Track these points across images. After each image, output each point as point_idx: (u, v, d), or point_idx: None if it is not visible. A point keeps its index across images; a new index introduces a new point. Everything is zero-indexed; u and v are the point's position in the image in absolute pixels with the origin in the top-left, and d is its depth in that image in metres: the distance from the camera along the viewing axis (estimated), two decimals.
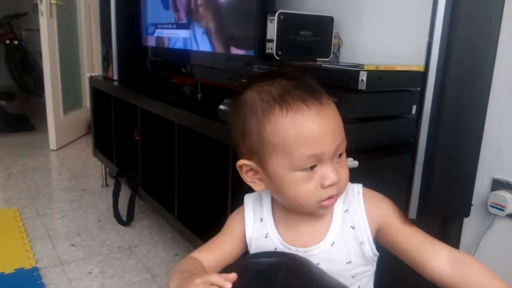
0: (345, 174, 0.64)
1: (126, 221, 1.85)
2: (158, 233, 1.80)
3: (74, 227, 1.83)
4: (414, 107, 1.01)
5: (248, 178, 0.66)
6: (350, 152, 0.89)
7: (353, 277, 0.67)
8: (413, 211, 0.80)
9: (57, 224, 1.86)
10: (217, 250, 0.71)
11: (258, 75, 0.69)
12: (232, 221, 0.74)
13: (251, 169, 0.65)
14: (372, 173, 0.90)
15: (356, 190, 0.69)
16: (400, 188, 0.83)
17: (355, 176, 0.84)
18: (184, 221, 1.45)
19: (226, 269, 0.65)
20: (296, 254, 0.67)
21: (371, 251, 0.67)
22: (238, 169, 0.67)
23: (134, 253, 1.63)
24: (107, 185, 2.32)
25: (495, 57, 0.85)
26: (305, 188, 0.61)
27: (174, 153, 1.44)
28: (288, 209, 0.67)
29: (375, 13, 1.33)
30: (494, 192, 1.04)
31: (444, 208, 0.83)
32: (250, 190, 0.77)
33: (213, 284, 0.56)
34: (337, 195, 0.63)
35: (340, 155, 0.62)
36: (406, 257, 0.65)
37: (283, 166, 0.61)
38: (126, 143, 1.98)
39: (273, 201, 0.71)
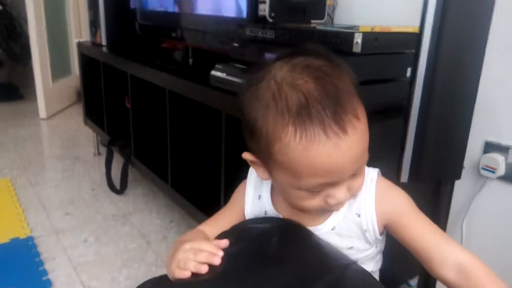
0: (358, 184, 0.57)
1: (119, 189, 1.85)
2: (152, 200, 1.81)
3: (67, 196, 1.83)
4: (409, 70, 0.99)
5: (253, 165, 0.61)
6: None
7: (357, 259, 0.64)
8: (405, 175, 0.80)
9: (50, 193, 1.85)
10: (222, 224, 0.69)
11: (284, 56, 0.56)
12: (235, 195, 0.72)
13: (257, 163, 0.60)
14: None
15: (370, 177, 0.62)
16: (393, 152, 0.83)
17: None
18: (178, 188, 1.45)
19: (222, 234, 0.65)
20: (293, 220, 0.65)
21: (374, 237, 0.63)
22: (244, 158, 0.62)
23: (128, 221, 1.64)
24: (99, 154, 2.30)
25: (491, 18, 0.83)
26: (309, 202, 0.56)
27: (166, 120, 1.42)
28: None
29: None
30: (486, 154, 1.04)
31: (435, 172, 0.83)
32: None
33: (202, 250, 0.56)
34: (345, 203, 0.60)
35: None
36: (415, 255, 0.62)
37: (287, 182, 0.55)
38: (117, 111, 1.96)
39: None
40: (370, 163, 0.62)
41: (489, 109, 1.02)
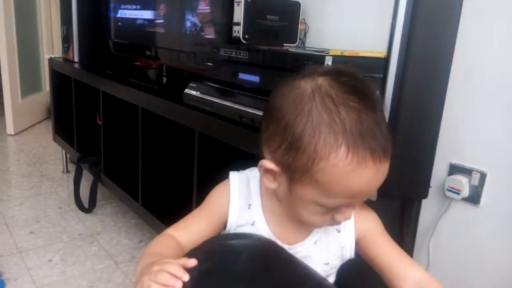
0: (359, 205, 0.61)
1: (88, 208, 1.80)
2: (122, 220, 1.77)
3: (33, 214, 1.77)
4: (377, 93, 1.02)
5: (266, 173, 0.59)
6: None
7: (327, 276, 0.67)
8: (373, 193, 0.82)
9: (15, 211, 1.79)
10: (194, 230, 0.66)
11: (327, 73, 0.56)
12: (215, 201, 0.68)
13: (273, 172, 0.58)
14: None
15: None
16: None
17: None
18: (149, 207, 1.43)
19: (192, 251, 0.64)
20: (264, 237, 0.65)
21: (348, 256, 0.67)
22: (258, 166, 0.59)
23: (96, 240, 1.60)
24: (68, 171, 2.25)
25: (454, 44, 0.87)
26: (318, 218, 0.58)
27: (138, 138, 1.41)
28: (276, 200, 0.64)
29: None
30: (450, 176, 1.08)
31: (403, 191, 0.85)
32: (216, 174, 0.75)
33: (169, 273, 0.54)
34: None
35: None
36: (378, 270, 0.66)
37: (310, 197, 0.55)
38: (88, 128, 1.93)
39: (261, 186, 0.66)
40: None
41: (454, 132, 1.06)
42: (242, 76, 1.05)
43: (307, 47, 1.35)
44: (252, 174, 0.68)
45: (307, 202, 0.56)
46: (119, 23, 1.79)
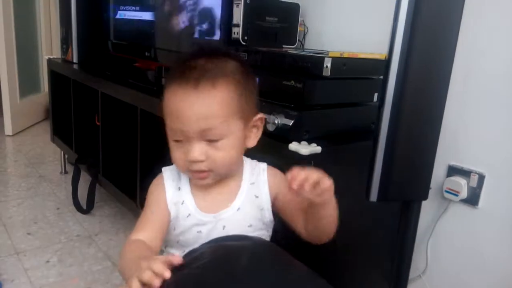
0: (219, 157, 0.69)
1: (86, 209, 1.80)
2: (120, 221, 1.77)
3: (30, 215, 1.77)
4: (376, 95, 1.02)
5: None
6: (313, 137, 0.90)
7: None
8: (374, 194, 0.82)
9: (13, 212, 1.78)
10: (154, 225, 0.73)
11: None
12: (155, 193, 0.76)
13: None
14: (335, 159, 0.92)
15: (262, 167, 0.79)
16: (362, 173, 0.85)
17: (319, 161, 0.85)
18: None
19: (192, 251, 0.64)
20: (263, 239, 0.70)
21: (268, 217, 0.77)
22: None
23: (94, 242, 1.59)
24: (66, 172, 2.24)
25: (455, 46, 0.87)
26: (176, 155, 0.71)
27: (137, 139, 1.41)
28: None
29: (340, 1, 1.34)
30: (449, 178, 1.08)
31: (403, 192, 0.85)
32: None
33: (153, 271, 0.54)
34: (208, 173, 0.70)
35: (216, 141, 0.69)
36: (287, 217, 0.77)
37: (168, 133, 0.71)
38: (86, 128, 1.92)
39: None
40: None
41: (453, 134, 1.07)
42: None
43: (306, 49, 1.35)
44: None
45: (169, 138, 0.71)
46: (119, 24, 1.79)
